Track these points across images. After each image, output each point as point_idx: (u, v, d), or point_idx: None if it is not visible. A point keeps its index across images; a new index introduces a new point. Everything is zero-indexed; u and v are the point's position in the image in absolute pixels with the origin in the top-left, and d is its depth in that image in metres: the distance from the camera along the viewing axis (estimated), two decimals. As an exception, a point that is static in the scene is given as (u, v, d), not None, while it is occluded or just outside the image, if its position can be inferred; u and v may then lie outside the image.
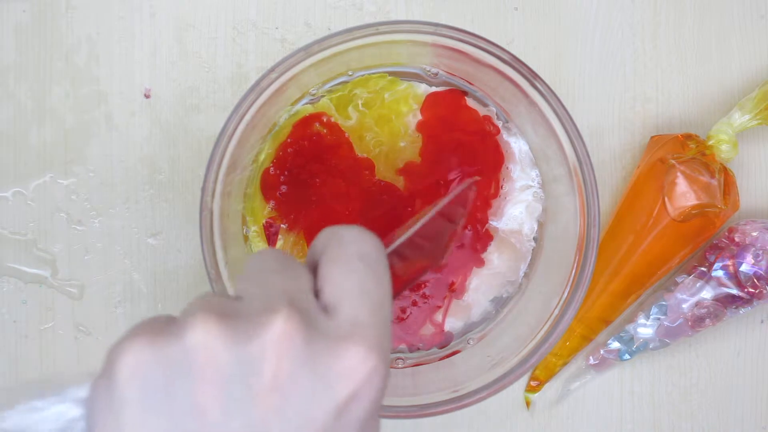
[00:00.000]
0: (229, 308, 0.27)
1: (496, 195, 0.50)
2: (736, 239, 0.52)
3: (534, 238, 0.51)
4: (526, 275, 0.51)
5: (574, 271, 0.45)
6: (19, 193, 0.53)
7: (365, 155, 0.49)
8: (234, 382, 0.25)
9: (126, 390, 0.25)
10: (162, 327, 0.26)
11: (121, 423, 0.25)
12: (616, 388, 0.54)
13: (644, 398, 0.54)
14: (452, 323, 0.51)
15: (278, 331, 0.26)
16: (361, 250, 0.29)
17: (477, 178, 0.45)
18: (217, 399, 0.25)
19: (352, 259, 0.29)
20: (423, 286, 0.37)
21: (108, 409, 0.26)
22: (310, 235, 0.49)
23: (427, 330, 0.50)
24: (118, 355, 0.26)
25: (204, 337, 0.26)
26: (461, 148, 0.49)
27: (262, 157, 0.49)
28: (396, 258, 0.33)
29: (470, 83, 0.50)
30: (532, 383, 0.53)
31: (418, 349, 0.51)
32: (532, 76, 0.45)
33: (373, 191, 0.49)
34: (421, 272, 0.35)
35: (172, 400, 0.25)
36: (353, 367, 0.26)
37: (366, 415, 0.27)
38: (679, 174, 0.50)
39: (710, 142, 0.51)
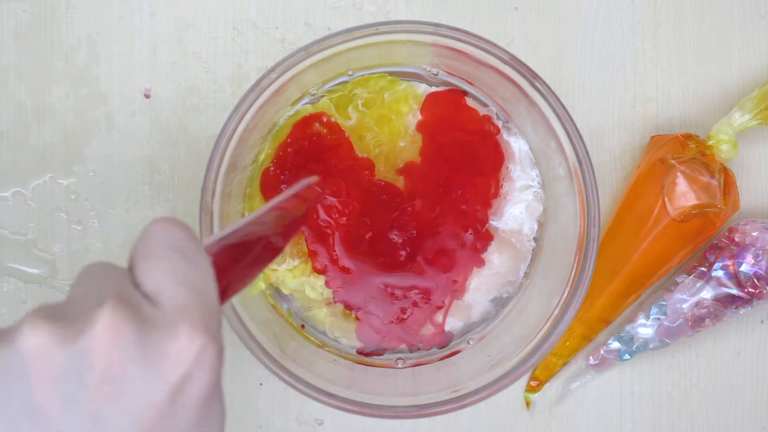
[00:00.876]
0: (58, 311, 0.27)
1: (496, 195, 0.50)
2: (736, 239, 0.52)
3: (534, 238, 0.51)
4: (526, 275, 0.51)
5: (574, 271, 0.45)
6: (19, 193, 0.53)
7: (365, 155, 0.49)
8: (68, 378, 0.26)
9: None
10: None
11: None
12: (616, 388, 0.54)
13: (644, 398, 0.54)
14: (452, 323, 0.51)
15: (105, 324, 0.26)
16: (169, 239, 0.30)
17: (314, 178, 0.44)
18: (52, 397, 0.26)
19: (163, 250, 0.29)
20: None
21: None
22: (309, 234, 0.49)
23: (428, 330, 0.50)
24: None
25: (34, 339, 0.26)
26: (461, 148, 0.49)
27: (262, 157, 0.49)
28: (233, 247, 0.33)
29: (470, 83, 0.50)
30: (532, 383, 0.53)
31: (418, 349, 0.51)
32: (532, 76, 0.45)
33: (373, 191, 0.49)
34: (262, 259, 0.35)
35: (9, 404, 0.26)
36: (181, 349, 0.27)
37: (203, 396, 0.28)
38: (679, 174, 0.50)
39: (710, 142, 0.51)
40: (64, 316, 0.27)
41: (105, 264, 0.30)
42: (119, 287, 0.28)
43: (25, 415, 0.26)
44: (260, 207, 0.38)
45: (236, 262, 0.33)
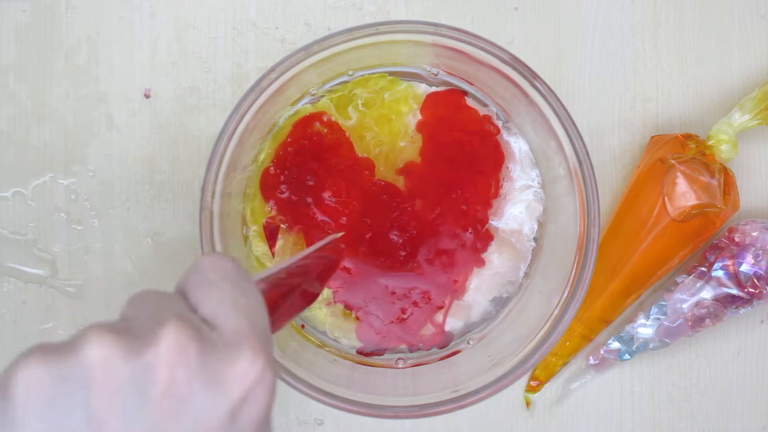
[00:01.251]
0: (121, 326, 0.28)
1: (496, 195, 0.50)
2: (736, 239, 0.52)
3: (534, 238, 0.51)
4: (526, 275, 0.51)
5: (574, 271, 0.45)
6: (19, 193, 0.53)
7: (365, 155, 0.49)
8: (131, 391, 0.26)
9: (21, 408, 0.26)
10: (56, 347, 0.27)
11: None
12: (616, 388, 0.54)
13: (644, 398, 0.54)
14: (452, 323, 0.51)
15: (171, 340, 0.27)
16: (220, 270, 0.31)
17: (340, 234, 0.48)
18: (114, 409, 0.26)
19: (215, 281, 0.30)
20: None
21: (3, 429, 0.26)
22: (309, 235, 0.49)
23: (428, 330, 0.50)
24: (12, 375, 0.26)
25: (99, 351, 0.26)
26: (461, 148, 0.49)
27: (262, 157, 0.49)
28: (272, 288, 0.35)
29: (470, 83, 0.50)
30: (532, 383, 0.53)
31: (419, 349, 0.51)
32: (532, 76, 0.45)
33: (374, 191, 0.49)
34: (297, 305, 0.37)
35: (70, 415, 0.26)
36: (243, 371, 0.28)
37: (259, 418, 0.28)
38: (679, 174, 0.50)
39: (710, 142, 0.51)
40: (127, 331, 0.27)
41: (156, 291, 0.30)
42: (178, 309, 0.29)
43: (84, 425, 0.26)
44: (290, 257, 0.40)
45: (276, 303, 0.34)
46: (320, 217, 0.49)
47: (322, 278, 0.40)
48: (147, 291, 0.30)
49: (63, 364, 0.26)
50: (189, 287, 0.30)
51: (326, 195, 0.49)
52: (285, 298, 0.35)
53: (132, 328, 0.28)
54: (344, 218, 0.49)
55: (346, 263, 0.49)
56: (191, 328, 0.28)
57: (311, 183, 0.49)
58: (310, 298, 0.38)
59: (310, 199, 0.49)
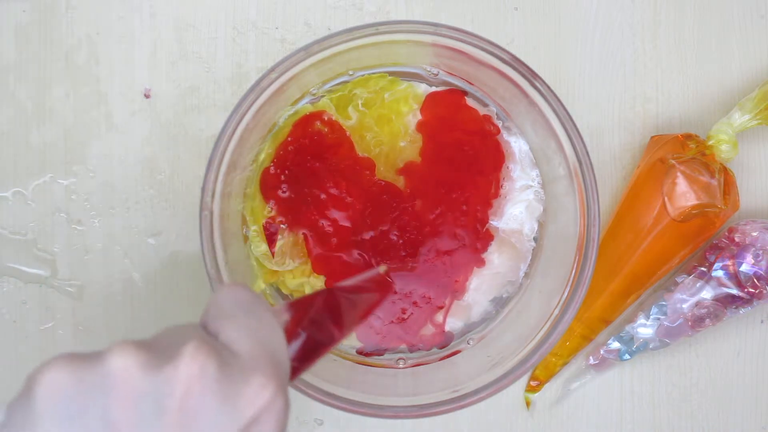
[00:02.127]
0: (146, 343, 0.29)
1: (496, 195, 0.50)
2: (736, 239, 0.52)
3: (534, 238, 0.51)
4: (527, 275, 0.51)
5: (574, 271, 0.45)
6: (19, 193, 0.53)
7: (366, 155, 0.49)
8: (148, 402, 0.28)
9: (42, 406, 0.27)
10: (82, 355, 0.28)
11: None
12: (616, 388, 0.54)
13: (644, 398, 0.54)
14: (452, 323, 0.51)
15: (191, 357, 0.28)
16: (234, 299, 0.33)
17: (384, 267, 0.45)
18: (128, 416, 0.27)
19: (231, 309, 0.32)
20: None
21: (22, 426, 0.27)
22: (309, 235, 0.49)
23: (428, 330, 0.50)
24: (38, 376, 0.27)
25: (121, 361, 0.28)
26: (461, 148, 0.49)
27: (262, 157, 0.49)
28: (298, 315, 0.35)
29: (470, 83, 0.50)
30: (532, 383, 0.53)
31: (419, 349, 0.51)
32: (532, 76, 0.45)
33: (374, 191, 0.49)
34: (328, 339, 0.36)
35: (86, 417, 0.27)
36: (255, 393, 0.29)
37: None
38: (679, 174, 0.50)
39: (710, 142, 0.51)
40: (151, 347, 0.29)
41: (180, 324, 0.32)
42: (200, 333, 0.30)
43: (99, 429, 0.27)
44: (322, 288, 0.39)
45: (305, 328, 0.34)
46: (320, 220, 0.49)
47: (362, 311, 0.39)
48: (172, 325, 0.32)
49: (86, 371, 0.28)
50: (208, 319, 0.32)
51: (326, 194, 0.49)
52: (317, 326, 0.35)
53: (156, 346, 0.29)
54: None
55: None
56: (211, 348, 0.29)
57: (311, 183, 0.49)
58: (338, 331, 0.36)
59: (314, 197, 0.49)
